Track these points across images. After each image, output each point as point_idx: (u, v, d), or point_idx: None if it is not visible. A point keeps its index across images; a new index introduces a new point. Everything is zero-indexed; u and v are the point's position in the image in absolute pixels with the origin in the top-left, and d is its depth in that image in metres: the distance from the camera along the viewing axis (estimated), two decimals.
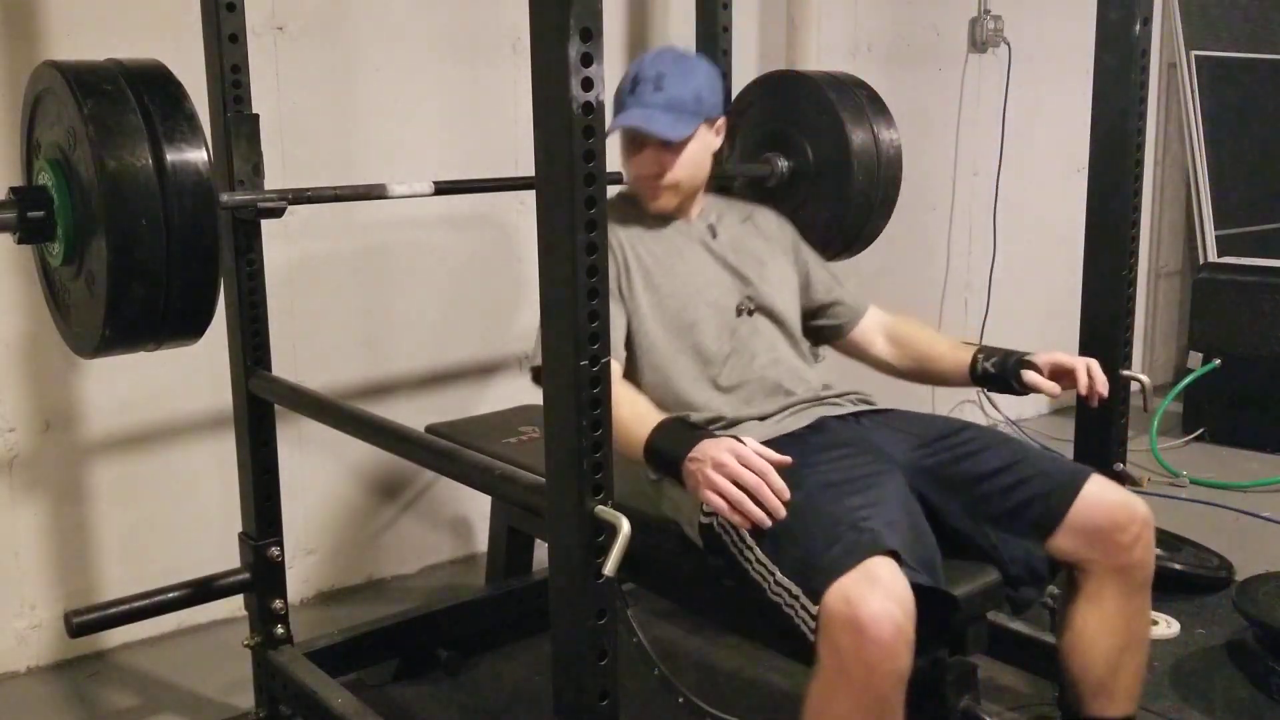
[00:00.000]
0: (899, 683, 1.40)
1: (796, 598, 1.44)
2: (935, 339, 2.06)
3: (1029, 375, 1.85)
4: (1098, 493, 1.67)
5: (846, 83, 2.49)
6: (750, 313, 1.91)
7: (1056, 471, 1.70)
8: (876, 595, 1.37)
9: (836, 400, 1.87)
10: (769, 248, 2.03)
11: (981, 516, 1.68)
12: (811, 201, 2.50)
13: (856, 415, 1.84)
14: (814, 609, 1.41)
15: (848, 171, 2.40)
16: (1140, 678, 1.77)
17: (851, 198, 2.41)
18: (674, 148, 1.85)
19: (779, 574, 1.48)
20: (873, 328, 2.09)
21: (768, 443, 1.57)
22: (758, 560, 1.52)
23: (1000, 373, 1.90)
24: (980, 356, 1.93)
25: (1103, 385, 1.83)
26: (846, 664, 1.38)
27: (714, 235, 1.96)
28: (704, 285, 1.89)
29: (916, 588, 1.42)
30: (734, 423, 1.78)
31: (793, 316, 1.99)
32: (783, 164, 2.52)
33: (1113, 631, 1.71)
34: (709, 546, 1.65)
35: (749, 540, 1.54)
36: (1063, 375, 1.86)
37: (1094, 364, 1.84)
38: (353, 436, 1.83)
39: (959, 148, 3.82)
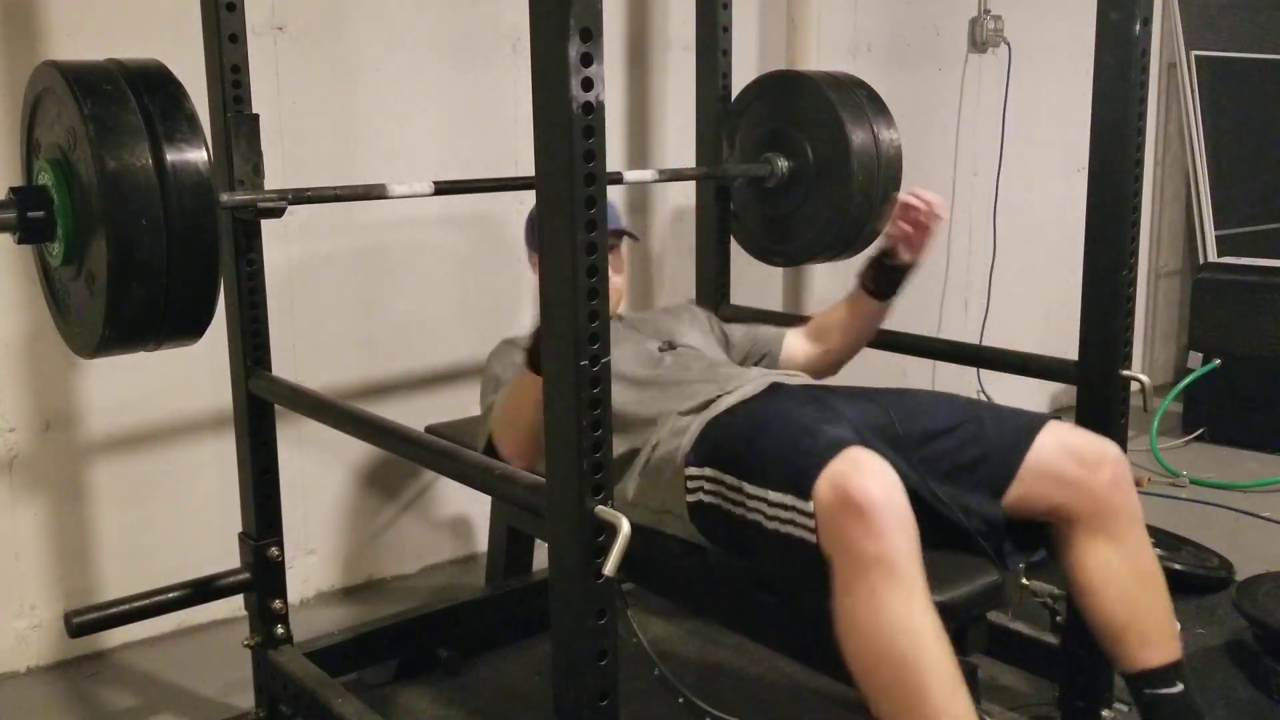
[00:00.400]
0: (911, 546, 1.41)
1: (792, 508, 1.46)
2: (836, 306, 2.21)
3: (883, 241, 2.06)
4: (1057, 436, 1.68)
5: (846, 83, 2.49)
6: (672, 348, 2.02)
7: (1012, 423, 1.71)
8: (861, 473, 1.41)
9: (786, 374, 1.92)
10: (678, 319, 2.18)
11: (931, 474, 1.67)
12: (811, 201, 2.50)
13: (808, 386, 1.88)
14: (809, 507, 1.43)
15: (847, 171, 2.40)
16: (1169, 616, 1.74)
17: (851, 197, 2.42)
18: (618, 252, 2.08)
19: (771, 494, 1.50)
20: (796, 342, 2.23)
21: (739, 405, 1.71)
22: (750, 496, 1.54)
23: (876, 259, 2.08)
24: (859, 273, 2.12)
25: (931, 196, 1.95)
26: (854, 544, 1.40)
27: (622, 319, 2.15)
28: (621, 343, 1.99)
29: None
30: (697, 410, 1.78)
31: (719, 354, 2.10)
32: (782, 164, 2.52)
33: (1118, 574, 1.68)
34: (703, 526, 1.65)
35: (737, 482, 1.57)
36: (903, 214, 1.99)
37: (917, 188, 1.98)
38: (353, 436, 1.83)
39: (959, 148, 3.82)
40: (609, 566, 1.21)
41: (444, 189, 2.11)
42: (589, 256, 1.17)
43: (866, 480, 1.41)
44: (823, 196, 2.47)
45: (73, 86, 1.46)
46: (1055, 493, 1.66)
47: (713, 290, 2.66)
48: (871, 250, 2.10)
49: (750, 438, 1.60)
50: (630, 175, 2.47)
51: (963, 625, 1.61)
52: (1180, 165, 4.52)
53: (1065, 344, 2.06)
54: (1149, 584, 1.71)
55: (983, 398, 4.00)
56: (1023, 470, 1.66)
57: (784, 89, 2.56)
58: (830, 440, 1.49)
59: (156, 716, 2.22)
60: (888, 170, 2.45)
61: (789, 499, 1.47)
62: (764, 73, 2.71)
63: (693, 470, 1.65)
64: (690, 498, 1.65)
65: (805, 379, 1.92)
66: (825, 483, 1.43)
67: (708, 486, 1.63)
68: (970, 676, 1.57)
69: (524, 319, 2.88)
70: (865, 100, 2.46)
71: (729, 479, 1.59)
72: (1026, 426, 1.69)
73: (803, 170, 2.50)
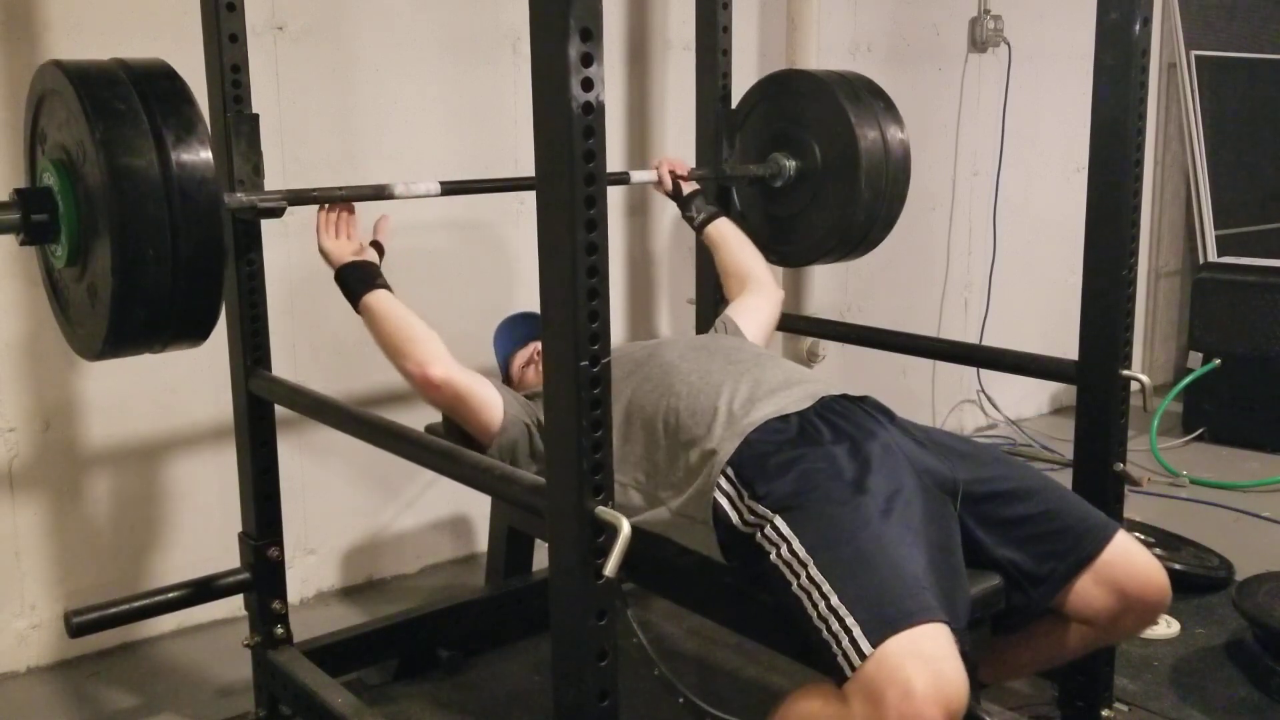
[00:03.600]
0: None
1: (849, 630, 1.37)
2: (718, 261, 2.43)
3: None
4: (1125, 568, 1.64)
5: (854, 82, 2.49)
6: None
7: (1084, 519, 1.67)
8: (935, 691, 1.29)
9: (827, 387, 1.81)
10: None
11: (999, 537, 1.65)
12: (818, 202, 2.50)
13: (865, 405, 1.77)
14: (867, 650, 1.34)
15: (856, 172, 2.40)
16: None
17: (859, 198, 2.41)
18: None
19: (834, 599, 1.40)
20: (741, 311, 2.30)
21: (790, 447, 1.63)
22: (808, 578, 1.45)
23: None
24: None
25: (675, 166, 2.43)
26: None
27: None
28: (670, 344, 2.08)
29: None
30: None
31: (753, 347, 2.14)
32: (789, 164, 2.52)
33: (1044, 661, 1.78)
34: (731, 544, 1.62)
35: (801, 554, 1.48)
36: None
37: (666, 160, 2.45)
38: (353, 436, 1.83)
39: (959, 148, 3.82)
40: (609, 567, 1.21)
41: (450, 189, 2.11)
42: (589, 256, 1.17)
43: (934, 705, 1.28)
44: (830, 197, 2.47)
45: (77, 86, 1.46)
46: (1093, 609, 1.65)
47: (713, 290, 2.66)
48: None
49: (848, 536, 1.48)
50: (637, 175, 2.47)
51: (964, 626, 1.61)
52: (1180, 165, 4.52)
53: (1065, 344, 2.06)
54: (1048, 666, 1.86)
55: (983, 398, 4.01)
56: (1084, 575, 1.63)
57: (791, 89, 2.55)
58: (925, 602, 1.39)
59: (156, 716, 2.22)
60: (896, 170, 2.45)
61: (851, 621, 1.37)
62: (767, 73, 2.71)
63: (747, 499, 1.59)
64: (723, 499, 1.61)
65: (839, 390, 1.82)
66: (896, 659, 1.32)
67: (749, 519, 1.57)
68: (970, 676, 1.58)
69: None
70: (873, 100, 2.46)
71: (795, 544, 1.51)
72: (1099, 531, 1.65)
73: (810, 170, 2.50)
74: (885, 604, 1.38)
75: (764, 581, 1.54)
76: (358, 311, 1.94)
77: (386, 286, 1.95)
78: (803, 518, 1.52)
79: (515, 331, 2.34)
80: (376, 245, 2.02)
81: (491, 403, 1.89)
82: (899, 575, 1.42)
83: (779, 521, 1.53)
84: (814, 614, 1.42)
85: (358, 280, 1.94)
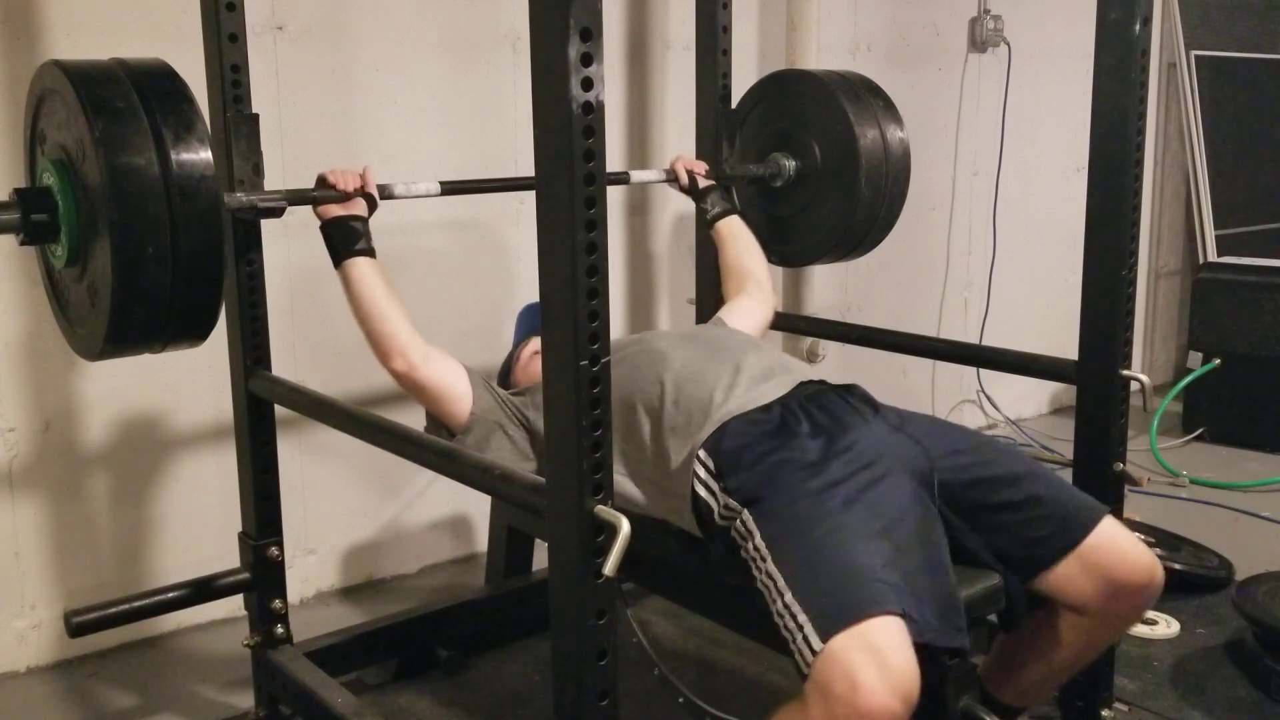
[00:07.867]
0: None
1: (801, 627, 1.37)
2: (721, 255, 2.44)
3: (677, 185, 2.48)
4: (1112, 553, 1.61)
5: (854, 82, 2.49)
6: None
7: (1071, 504, 1.64)
8: (881, 681, 1.29)
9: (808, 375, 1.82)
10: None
11: (975, 521, 1.64)
12: (818, 202, 2.50)
13: (850, 397, 1.76)
14: (818, 646, 1.34)
15: (855, 172, 2.40)
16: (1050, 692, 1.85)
17: (859, 197, 2.41)
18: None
19: (788, 596, 1.41)
20: (734, 311, 2.31)
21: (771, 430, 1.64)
22: (766, 574, 1.47)
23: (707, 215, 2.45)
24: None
25: (690, 165, 2.46)
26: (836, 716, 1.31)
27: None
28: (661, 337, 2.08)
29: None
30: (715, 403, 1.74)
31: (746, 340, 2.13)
32: (789, 164, 2.52)
33: (1055, 650, 1.72)
34: (711, 534, 1.63)
35: (762, 548, 1.49)
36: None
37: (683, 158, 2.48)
38: (353, 436, 1.84)
39: (959, 147, 3.82)
40: (609, 566, 1.21)
41: (450, 189, 2.11)
42: (589, 256, 1.18)
43: (880, 698, 1.28)
44: (830, 197, 2.47)
45: (76, 85, 1.45)
46: (1082, 595, 1.62)
47: (713, 290, 2.66)
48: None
49: (805, 530, 1.48)
50: (637, 175, 2.48)
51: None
52: (1180, 165, 4.52)
53: (1065, 344, 2.06)
54: (1060, 676, 1.77)
55: (983, 398, 4.01)
56: (1068, 560, 1.61)
57: (790, 89, 2.55)
58: (873, 593, 1.37)
59: (156, 716, 2.22)
60: (896, 169, 2.45)
61: (803, 618, 1.37)
62: (767, 73, 2.71)
63: (721, 492, 1.60)
64: (700, 488, 1.62)
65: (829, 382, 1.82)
66: (843, 654, 1.31)
67: (739, 528, 1.57)
68: (970, 676, 1.58)
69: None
70: (873, 99, 2.46)
71: (757, 538, 1.52)
72: (1084, 516, 1.62)
73: (810, 170, 2.50)
74: (834, 598, 1.37)
75: (737, 568, 1.56)
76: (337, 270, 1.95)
77: (368, 251, 1.94)
78: (766, 511, 1.53)
79: (537, 320, 2.32)
80: (367, 197, 1.99)
81: (457, 397, 1.91)
82: (850, 569, 1.41)
83: (746, 515, 1.55)
84: (773, 610, 1.43)
85: (339, 242, 1.94)
